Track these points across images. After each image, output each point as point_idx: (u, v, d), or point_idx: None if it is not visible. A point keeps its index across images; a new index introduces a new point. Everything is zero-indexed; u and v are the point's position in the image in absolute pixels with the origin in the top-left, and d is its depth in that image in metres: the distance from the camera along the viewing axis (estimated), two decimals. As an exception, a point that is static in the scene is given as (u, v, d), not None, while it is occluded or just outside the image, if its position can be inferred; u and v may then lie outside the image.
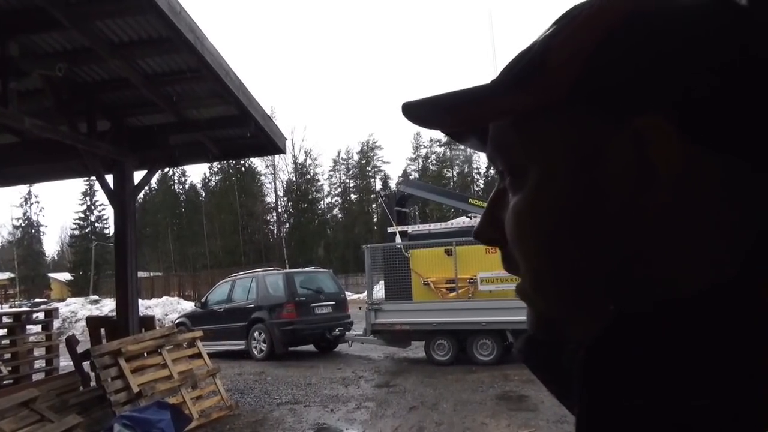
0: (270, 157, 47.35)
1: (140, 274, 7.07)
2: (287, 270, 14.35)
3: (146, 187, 8.10)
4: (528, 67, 0.34)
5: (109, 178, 6.71)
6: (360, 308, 11.21)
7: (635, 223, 0.32)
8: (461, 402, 6.75)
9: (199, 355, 6.89)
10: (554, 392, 0.39)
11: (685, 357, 0.28)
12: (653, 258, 0.32)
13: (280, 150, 7.58)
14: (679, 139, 0.31)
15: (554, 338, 0.38)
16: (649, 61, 0.31)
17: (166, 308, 20.86)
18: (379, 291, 11.22)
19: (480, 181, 55.42)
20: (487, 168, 54.94)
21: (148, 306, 19.81)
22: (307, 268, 14.92)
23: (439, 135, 56.25)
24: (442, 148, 56.39)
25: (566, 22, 0.34)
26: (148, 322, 7.10)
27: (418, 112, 0.38)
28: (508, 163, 0.38)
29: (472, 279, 9.52)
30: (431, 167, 56.61)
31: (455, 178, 55.11)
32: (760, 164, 0.31)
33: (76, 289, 41.35)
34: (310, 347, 11.88)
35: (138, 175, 7.01)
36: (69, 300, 24.88)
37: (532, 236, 0.36)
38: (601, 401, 0.30)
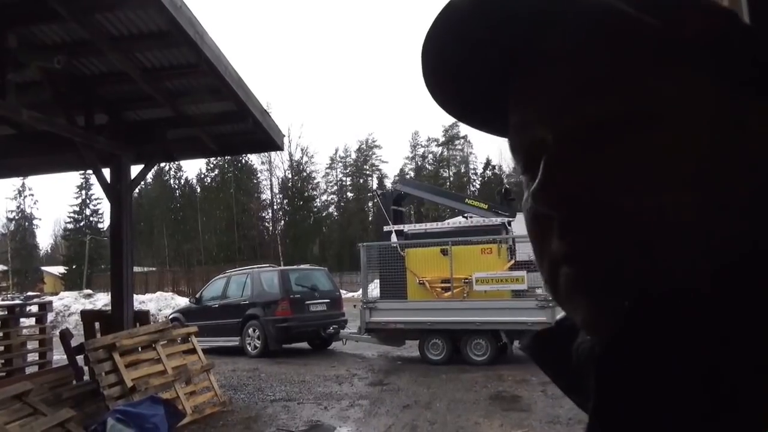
0: (266, 153, 47.25)
1: (134, 269, 7.02)
2: (282, 267, 14.34)
3: (141, 182, 8.08)
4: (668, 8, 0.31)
5: (106, 172, 6.69)
6: (355, 306, 11.22)
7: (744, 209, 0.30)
8: (455, 401, 6.77)
9: (193, 351, 6.88)
10: (562, 387, 0.39)
11: (699, 355, 0.28)
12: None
13: (277, 147, 7.57)
14: None
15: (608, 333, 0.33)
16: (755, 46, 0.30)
17: (160, 303, 20.82)
18: (374, 289, 11.23)
19: (476, 181, 55.48)
20: (484, 168, 55.08)
21: (142, 301, 19.76)
22: (302, 266, 14.92)
23: (436, 134, 56.24)
24: (440, 147, 56.48)
25: None
26: (143, 316, 7.09)
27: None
28: (624, 102, 0.31)
29: (467, 279, 9.54)
30: (428, 167, 56.62)
31: (452, 178, 55.13)
32: None
33: (70, 282, 41.14)
34: (304, 345, 11.88)
35: (135, 170, 7.01)
36: (62, 294, 24.81)
37: (671, 194, 0.30)
38: (616, 399, 0.30)
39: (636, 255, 0.31)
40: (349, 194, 56.75)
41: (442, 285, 9.98)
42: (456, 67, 0.36)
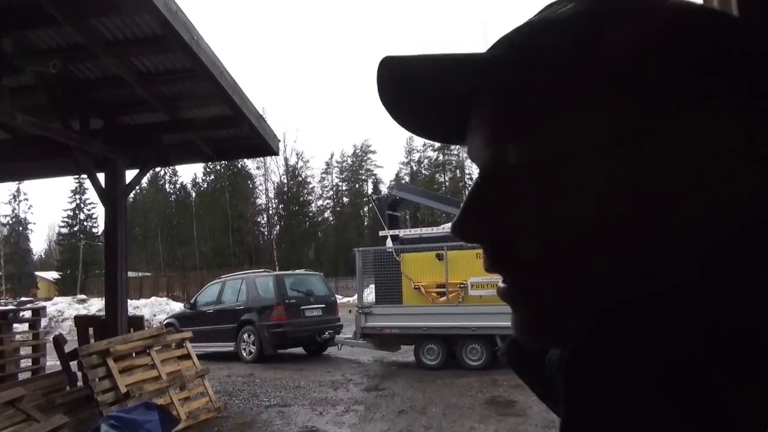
0: (261, 158, 47.27)
1: (129, 274, 6.99)
2: (277, 272, 14.32)
3: (136, 187, 8.08)
4: (573, 46, 0.32)
5: (101, 177, 6.68)
6: (350, 311, 11.20)
7: (679, 217, 0.30)
8: (450, 406, 6.76)
9: (187, 356, 6.85)
10: (537, 393, 0.40)
11: (671, 356, 0.27)
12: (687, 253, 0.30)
13: (273, 151, 7.58)
14: (736, 133, 0.30)
15: (543, 345, 0.36)
16: (706, 50, 0.30)
17: (155, 309, 20.72)
18: (369, 294, 11.22)
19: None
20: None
21: (136, 306, 19.66)
22: (298, 271, 14.90)
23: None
24: (435, 152, 56.61)
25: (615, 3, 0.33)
26: (137, 322, 7.06)
27: (413, 74, 0.34)
28: (524, 149, 0.33)
29: (462, 284, 9.54)
30: (424, 171, 56.71)
31: (447, 183, 55.24)
32: None
33: (64, 288, 40.89)
34: (300, 350, 11.85)
35: (130, 174, 7.00)
36: (56, 299, 24.63)
37: (561, 235, 0.32)
38: (585, 405, 0.30)
39: (516, 302, 0.34)
40: (345, 199, 56.76)
41: (438, 290, 9.98)
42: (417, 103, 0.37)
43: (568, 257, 0.32)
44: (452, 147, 55.06)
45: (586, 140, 0.31)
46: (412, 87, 0.34)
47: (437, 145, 55.61)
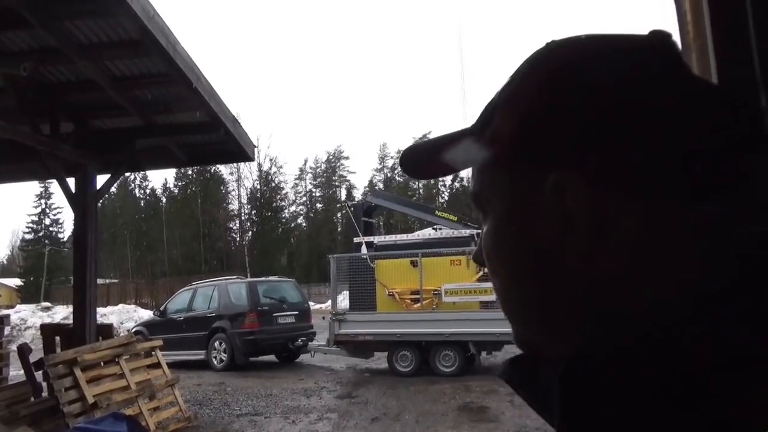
0: (234, 163, 46.66)
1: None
2: (250, 279, 14.17)
3: (107, 192, 7.93)
4: (483, 120, 0.41)
5: (71, 182, 6.53)
6: (323, 318, 11.15)
7: (567, 264, 0.36)
8: (423, 413, 6.80)
9: (157, 365, 6.73)
10: (535, 408, 0.42)
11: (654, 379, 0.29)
12: (595, 293, 0.35)
13: (248, 157, 7.54)
14: (590, 191, 0.34)
15: (530, 354, 0.41)
16: (562, 118, 0.36)
17: (122, 316, 20.28)
18: (343, 301, 11.20)
19: (445, 193, 56.01)
20: (452, 180, 55.68)
21: (103, 314, 19.19)
22: (271, 277, 14.77)
23: (403, 147, 56.79)
24: (408, 160, 56.79)
25: (511, 78, 0.40)
26: (106, 330, 6.91)
27: (417, 162, 0.45)
28: (476, 200, 0.43)
29: (436, 290, 9.62)
30: (397, 178, 56.87)
31: (421, 190, 55.51)
32: (689, 201, 0.34)
33: (26, 295, 39.59)
34: (272, 357, 11.75)
35: (101, 180, 6.86)
36: (19, 307, 23.89)
37: (492, 267, 0.41)
38: (578, 418, 0.32)
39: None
40: (318, 205, 56.51)
41: (412, 296, 10.03)
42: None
43: (527, 278, 0.39)
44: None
45: (494, 189, 0.40)
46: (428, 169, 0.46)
47: (411, 152, 55.85)
